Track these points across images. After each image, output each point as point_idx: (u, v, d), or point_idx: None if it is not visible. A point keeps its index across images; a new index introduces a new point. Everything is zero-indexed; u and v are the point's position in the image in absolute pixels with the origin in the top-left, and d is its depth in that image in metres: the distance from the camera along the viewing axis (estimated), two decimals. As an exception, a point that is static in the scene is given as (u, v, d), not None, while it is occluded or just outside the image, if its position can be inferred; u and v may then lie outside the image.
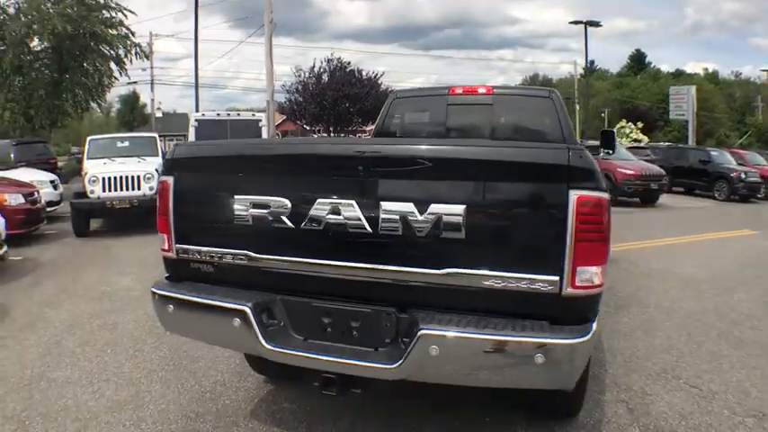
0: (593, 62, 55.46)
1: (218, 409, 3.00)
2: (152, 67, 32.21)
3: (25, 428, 2.77)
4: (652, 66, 62.53)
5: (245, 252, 2.40)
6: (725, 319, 4.51)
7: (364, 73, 28.19)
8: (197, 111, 20.04)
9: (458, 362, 2.12)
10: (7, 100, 17.74)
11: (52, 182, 10.30)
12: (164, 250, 2.58)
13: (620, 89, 53.30)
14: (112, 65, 19.86)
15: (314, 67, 27.72)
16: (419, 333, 2.06)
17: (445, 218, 2.10)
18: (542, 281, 2.03)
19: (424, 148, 2.28)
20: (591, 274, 2.03)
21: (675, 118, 31.48)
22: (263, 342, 2.27)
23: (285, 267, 2.36)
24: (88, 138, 10.22)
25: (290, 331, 2.36)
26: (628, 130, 30.15)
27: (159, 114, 37.12)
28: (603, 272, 2.08)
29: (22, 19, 16.74)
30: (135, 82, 32.16)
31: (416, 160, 2.20)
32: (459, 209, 2.08)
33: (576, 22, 32.28)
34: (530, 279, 2.03)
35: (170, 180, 2.54)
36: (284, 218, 2.32)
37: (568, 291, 2.01)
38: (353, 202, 2.20)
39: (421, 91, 5.21)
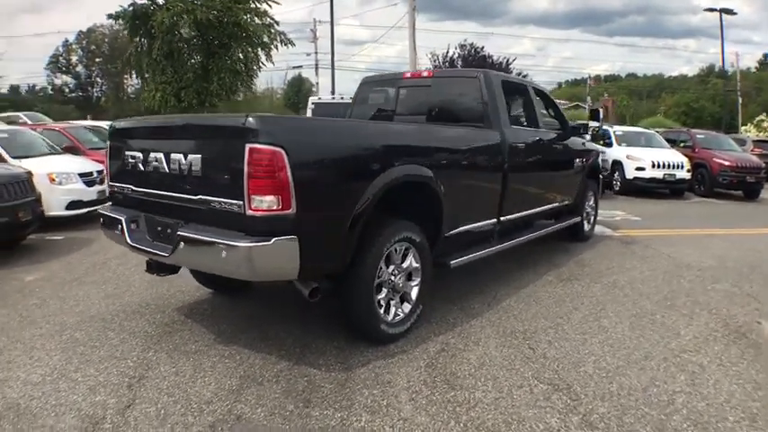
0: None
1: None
2: (316, 53, 35.45)
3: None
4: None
5: (129, 186, 3.61)
6: (651, 304, 4.32)
7: (495, 58, 28.21)
8: (333, 93, 22.04)
9: (193, 253, 3.04)
10: (159, 82, 20.78)
11: (85, 174, 7.33)
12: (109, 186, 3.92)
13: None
14: (259, 51, 22.10)
15: (447, 52, 28.26)
16: (176, 235, 3.06)
17: (194, 164, 3.04)
18: (236, 204, 2.80)
19: (177, 119, 3.75)
20: (263, 201, 2.72)
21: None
22: (128, 239, 3.48)
23: (143, 195, 3.49)
24: None
25: (146, 235, 3.49)
26: (766, 123, 27.22)
27: (316, 99, 40.45)
28: (281, 201, 2.72)
29: (169, 10, 18.80)
30: (300, 66, 35.56)
31: (176, 128, 3.46)
32: (198, 158, 3.03)
33: (710, 10, 29.94)
34: (231, 203, 2.84)
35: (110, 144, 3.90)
36: (140, 164, 3.45)
37: (249, 212, 2.75)
38: (160, 154, 3.26)
39: (382, 76, 5.72)
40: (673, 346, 3.50)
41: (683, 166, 12.24)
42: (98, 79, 46.86)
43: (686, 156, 12.69)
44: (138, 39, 20.42)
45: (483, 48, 28.03)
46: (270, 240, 2.75)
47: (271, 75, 66.51)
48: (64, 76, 47.13)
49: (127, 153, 3.58)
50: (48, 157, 7.41)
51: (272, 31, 21.68)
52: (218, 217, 2.94)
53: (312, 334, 3.60)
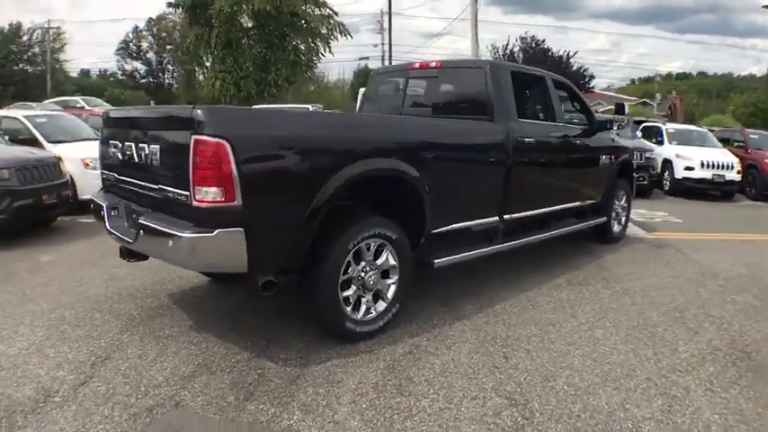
0: None
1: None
2: (383, 44, 35.34)
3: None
4: None
5: (113, 174, 3.72)
6: (658, 314, 3.95)
7: (555, 52, 27.21)
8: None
9: (149, 241, 3.03)
10: (219, 71, 21.46)
11: None
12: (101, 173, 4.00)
13: None
14: (318, 42, 22.25)
15: (507, 45, 27.57)
16: (137, 222, 3.09)
17: (155, 154, 3.07)
18: (185, 195, 2.79)
19: (138, 113, 3.70)
20: (207, 192, 2.68)
21: None
22: (106, 225, 3.55)
23: (123, 183, 3.56)
24: None
25: (124, 221, 3.53)
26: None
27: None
28: (225, 192, 2.66)
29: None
30: (366, 58, 35.68)
31: (141, 119, 3.54)
32: (157, 148, 3.05)
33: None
34: (181, 194, 2.83)
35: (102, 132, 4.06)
36: (119, 153, 3.52)
37: (194, 203, 2.72)
38: (132, 144, 3.33)
39: (392, 67, 5.56)
40: (663, 365, 3.17)
41: (732, 167, 11.44)
42: (169, 66, 48.02)
43: (738, 156, 11.85)
44: (197, 27, 21.11)
45: (543, 41, 27.07)
46: (213, 232, 2.71)
47: (343, 66, 67.29)
48: (134, 62, 48.19)
49: (111, 142, 3.66)
50: (86, 143, 7.68)
51: (331, 21, 21.73)
52: (173, 207, 2.95)
53: (285, 328, 3.54)
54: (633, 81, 61.64)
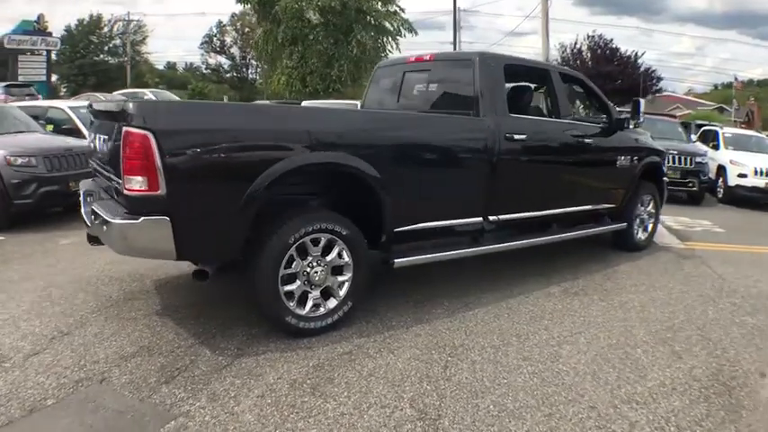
0: None
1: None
2: (460, 42, 35.02)
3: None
4: None
5: (94, 162, 3.83)
6: (645, 333, 3.54)
7: (623, 52, 25.85)
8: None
9: (97, 226, 3.14)
10: (285, 66, 21.92)
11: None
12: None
13: None
14: (386, 39, 22.11)
15: (575, 43, 26.52)
16: (91, 208, 3.23)
17: (106, 144, 3.22)
18: (119, 183, 2.89)
19: (101, 105, 3.66)
20: (135, 181, 2.74)
21: None
22: (82, 210, 3.70)
23: (96, 171, 3.74)
24: None
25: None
26: None
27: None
28: (149, 182, 2.71)
29: None
30: None
31: (99, 111, 3.62)
32: (107, 137, 3.19)
33: None
34: (118, 182, 2.93)
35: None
36: (92, 143, 3.75)
37: (124, 192, 2.80)
38: (98, 134, 3.51)
39: (393, 61, 5.36)
40: (621, 392, 2.80)
41: None
42: (252, 61, 48.55)
43: None
44: (265, 23, 21.68)
45: (612, 40, 25.71)
46: (138, 219, 2.78)
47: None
48: (218, 57, 48.88)
49: (91, 132, 3.84)
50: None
51: (398, 18, 21.50)
52: (118, 195, 3.02)
53: (244, 319, 3.51)
54: (716, 86, 57.65)
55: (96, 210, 3.09)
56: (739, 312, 4.13)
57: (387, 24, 21.16)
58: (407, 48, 25.28)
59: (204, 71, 49.80)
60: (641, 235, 5.80)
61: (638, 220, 5.70)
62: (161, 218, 2.76)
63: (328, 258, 3.33)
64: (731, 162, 10.73)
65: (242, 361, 2.98)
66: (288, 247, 3.14)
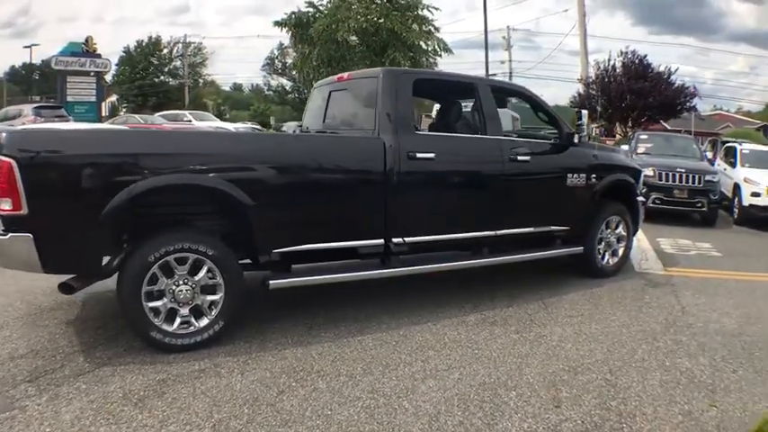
0: None
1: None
2: (510, 60, 35.84)
3: None
4: None
5: None
6: (534, 376, 3.19)
7: (655, 66, 24.51)
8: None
9: None
10: (320, 88, 22.12)
11: None
12: None
13: None
14: (423, 59, 22.06)
15: (609, 59, 25.44)
16: None
17: None
18: None
19: None
20: (3, 202, 2.95)
21: None
22: None
23: None
24: None
25: None
26: None
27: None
28: (13, 203, 2.91)
29: (326, 18, 19.74)
30: (494, 74, 35.30)
31: None
32: None
33: None
34: None
35: None
36: None
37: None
38: None
39: (324, 80, 5.26)
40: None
41: None
42: (314, 83, 50.86)
43: None
44: (302, 46, 22.21)
45: (646, 56, 24.26)
46: (6, 235, 2.97)
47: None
48: (280, 78, 48.34)
49: None
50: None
51: (432, 38, 21.28)
52: None
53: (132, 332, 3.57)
54: (768, 105, 53.11)
55: None
56: (678, 353, 3.63)
57: (422, 44, 21.05)
58: (447, 68, 25.06)
59: (266, 92, 50.91)
60: (609, 260, 5.32)
61: (602, 243, 5.24)
62: (25, 235, 2.94)
63: (196, 278, 3.34)
64: (745, 180, 9.70)
65: (102, 370, 3.06)
66: (148, 265, 3.18)
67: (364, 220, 3.86)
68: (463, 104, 4.78)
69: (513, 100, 5.38)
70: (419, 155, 3.94)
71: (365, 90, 4.21)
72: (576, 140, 4.78)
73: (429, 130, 4.93)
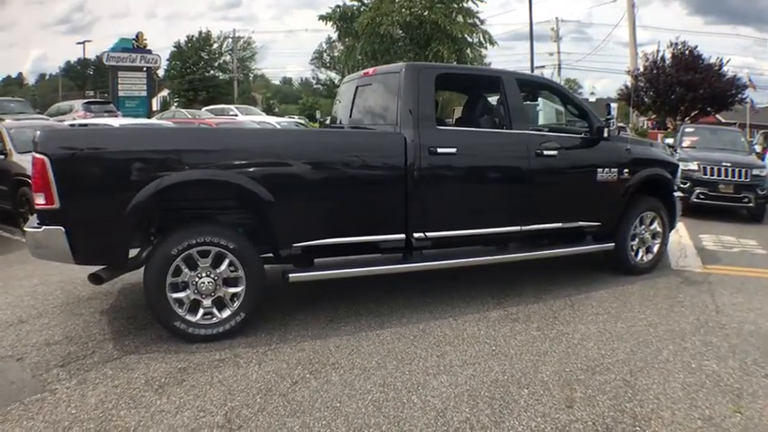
0: None
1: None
2: (559, 52, 34.84)
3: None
4: None
5: None
6: (548, 374, 3.09)
7: (707, 58, 23.07)
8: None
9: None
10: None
11: None
12: None
13: None
14: (468, 51, 21.81)
15: (658, 50, 24.18)
16: None
17: None
18: None
19: None
20: (39, 197, 3.14)
21: None
22: None
23: None
24: None
25: None
26: None
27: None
28: (46, 197, 3.10)
29: (370, 11, 19.71)
30: (543, 66, 34.59)
31: None
32: None
33: None
34: None
35: None
36: None
37: (36, 205, 3.24)
38: None
39: (351, 76, 5.23)
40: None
41: None
42: None
43: None
44: (346, 39, 22.29)
45: (696, 47, 22.75)
46: (41, 228, 3.16)
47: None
48: (328, 72, 47.55)
49: None
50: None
51: (476, 30, 20.93)
52: None
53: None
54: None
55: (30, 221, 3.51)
56: (706, 355, 3.44)
57: (466, 36, 20.67)
58: (497, 59, 24.42)
59: (315, 86, 50.92)
60: (642, 257, 5.09)
61: (636, 240, 5.02)
62: (57, 228, 3.11)
63: (219, 270, 3.45)
64: None
65: (129, 357, 3.21)
66: (172, 257, 3.30)
67: (385, 214, 3.86)
68: (489, 98, 4.69)
69: (545, 93, 5.19)
70: (440, 150, 3.89)
71: (388, 85, 4.18)
72: (605, 134, 4.58)
73: (455, 125, 4.86)
